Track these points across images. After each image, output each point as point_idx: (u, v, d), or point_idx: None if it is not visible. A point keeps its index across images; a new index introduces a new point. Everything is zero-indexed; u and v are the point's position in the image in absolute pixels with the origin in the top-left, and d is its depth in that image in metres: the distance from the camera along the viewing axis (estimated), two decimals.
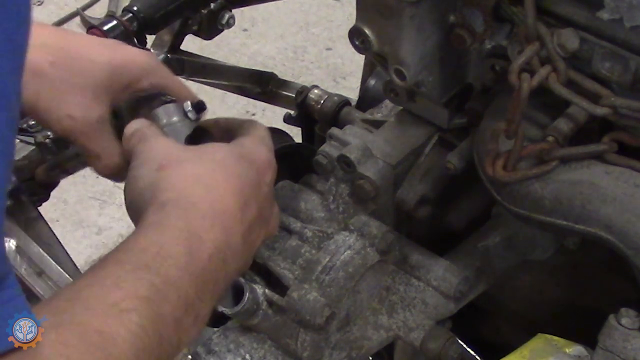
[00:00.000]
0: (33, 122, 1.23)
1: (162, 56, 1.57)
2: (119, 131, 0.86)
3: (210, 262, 0.71)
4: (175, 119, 0.84)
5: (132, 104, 0.88)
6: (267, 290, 0.98)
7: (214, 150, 0.79)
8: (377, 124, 1.13)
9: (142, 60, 0.87)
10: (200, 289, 0.69)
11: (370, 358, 1.18)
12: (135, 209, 0.75)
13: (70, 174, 1.35)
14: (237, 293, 0.95)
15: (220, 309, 0.94)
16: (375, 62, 1.02)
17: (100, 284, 0.64)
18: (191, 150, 0.79)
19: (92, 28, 1.42)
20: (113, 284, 0.64)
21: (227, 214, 0.74)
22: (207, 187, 0.75)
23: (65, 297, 0.62)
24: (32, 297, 1.29)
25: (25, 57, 0.54)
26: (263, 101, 1.96)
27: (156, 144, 0.79)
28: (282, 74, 1.99)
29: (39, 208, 1.42)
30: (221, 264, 0.72)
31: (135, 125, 0.82)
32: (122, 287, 0.64)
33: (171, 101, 0.86)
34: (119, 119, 0.88)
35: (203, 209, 0.73)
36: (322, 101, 1.30)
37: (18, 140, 1.31)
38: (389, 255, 1.01)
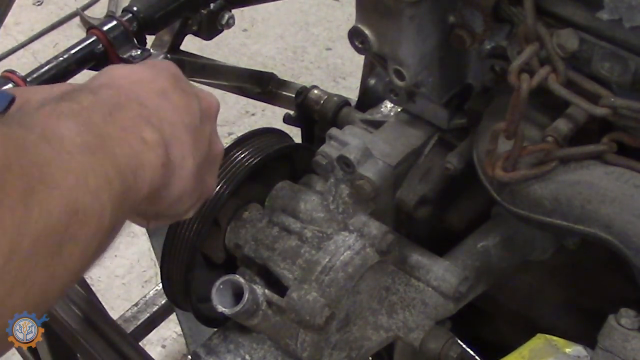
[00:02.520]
0: None
1: (162, 56, 1.57)
2: None
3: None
4: None
5: None
6: (266, 291, 0.98)
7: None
8: (376, 124, 1.13)
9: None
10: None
11: (370, 358, 1.18)
12: None
13: None
14: (237, 293, 0.95)
15: (220, 309, 0.94)
16: (375, 62, 1.02)
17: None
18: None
19: (91, 28, 1.42)
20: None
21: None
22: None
23: None
24: None
25: None
26: (263, 101, 1.97)
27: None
28: (282, 74, 1.99)
29: None
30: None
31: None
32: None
33: None
34: None
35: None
36: (321, 101, 1.30)
37: None
38: (389, 256, 1.01)
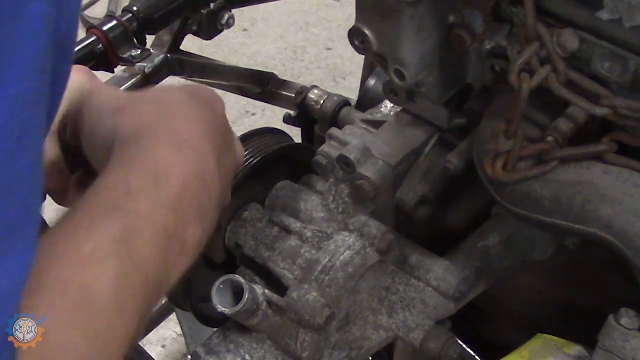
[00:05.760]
0: None
1: (162, 56, 1.57)
2: (71, 163, 0.84)
3: (186, 188, 0.68)
4: None
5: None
6: (267, 291, 0.98)
7: (164, 90, 0.79)
8: (377, 125, 1.13)
9: (73, 87, 0.80)
10: (180, 216, 0.67)
11: (370, 358, 1.18)
12: (100, 160, 0.72)
13: None
14: (237, 293, 0.95)
15: (220, 309, 0.94)
16: (375, 62, 1.02)
17: (74, 233, 0.61)
18: (143, 93, 0.79)
19: (92, 28, 1.42)
20: (86, 232, 0.61)
21: (194, 140, 0.72)
22: (168, 120, 0.73)
23: (43, 253, 0.57)
24: None
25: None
26: (263, 101, 1.96)
27: (105, 93, 0.78)
28: (282, 74, 1.99)
29: None
30: (200, 187, 0.70)
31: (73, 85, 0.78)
32: (96, 233, 0.61)
33: None
34: (68, 150, 0.85)
35: (167, 138, 0.71)
36: (322, 101, 1.30)
37: None
38: (389, 256, 1.01)
